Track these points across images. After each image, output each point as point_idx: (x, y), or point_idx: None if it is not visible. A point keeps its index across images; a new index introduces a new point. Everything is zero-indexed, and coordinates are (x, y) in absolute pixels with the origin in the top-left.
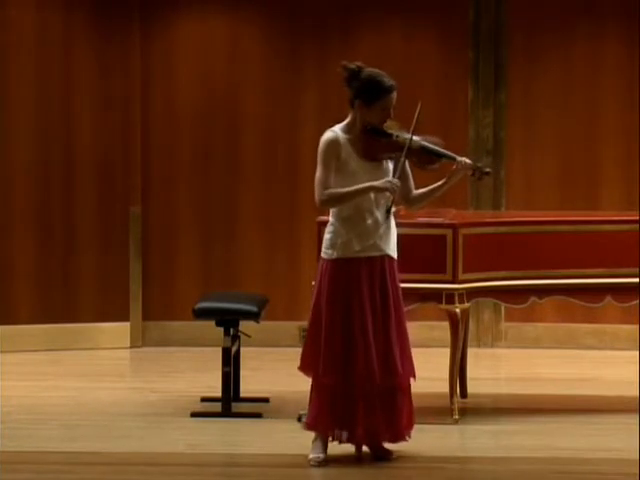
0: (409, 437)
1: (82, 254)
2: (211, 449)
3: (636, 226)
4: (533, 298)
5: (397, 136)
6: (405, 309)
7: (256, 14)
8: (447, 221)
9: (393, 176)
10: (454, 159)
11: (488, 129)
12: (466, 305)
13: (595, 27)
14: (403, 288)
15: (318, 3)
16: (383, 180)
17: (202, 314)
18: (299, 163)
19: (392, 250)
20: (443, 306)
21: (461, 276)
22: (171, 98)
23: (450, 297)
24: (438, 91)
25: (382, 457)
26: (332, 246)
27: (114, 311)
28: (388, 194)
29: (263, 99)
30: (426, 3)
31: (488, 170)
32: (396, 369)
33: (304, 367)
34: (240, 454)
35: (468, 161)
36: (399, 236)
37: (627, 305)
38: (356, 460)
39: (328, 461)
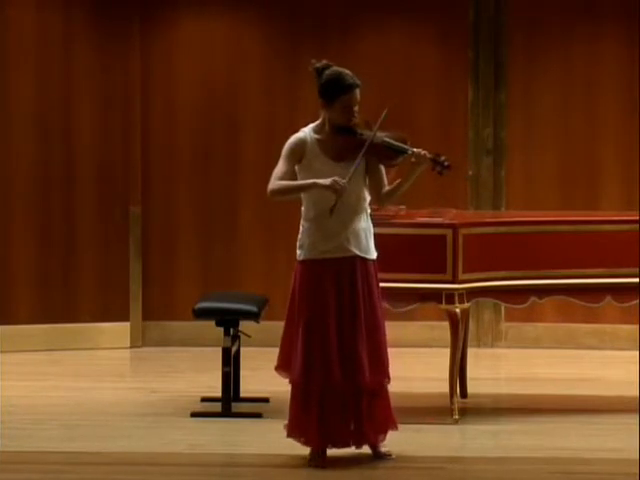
0: (382, 440)
1: (82, 254)
2: (211, 449)
3: (636, 226)
4: (533, 298)
5: (361, 134)
6: (405, 309)
7: (256, 14)
8: (447, 221)
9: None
10: (411, 152)
11: (488, 129)
12: (466, 305)
13: (595, 27)
14: (403, 288)
15: (318, 3)
16: (329, 179)
17: (202, 314)
18: None
19: (364, 251)
20: (443, 306)
21: (461, 276)
22: (171, 98)
23: (450, 297)
24: (438, 91)
25: (382, 457)
26: (300, 247)
27: (114, 311)
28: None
29: (263, 99)
30: (426, 3)
31: (448, 164)
32: (361, 372)
33: (278, 367)
34: (240, 454)
35: (427, 155)
36: (394, 236)
37: (627, 305)
38: (356, 460)
39: (328, 461)
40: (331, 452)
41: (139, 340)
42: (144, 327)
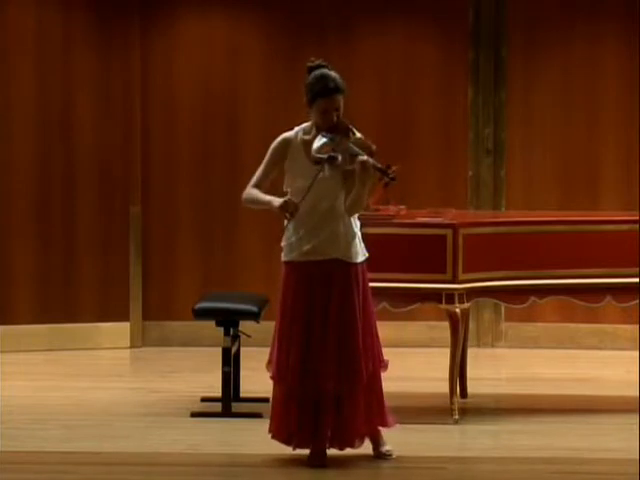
0: (358, 445)
1: (82, 254)
2: (211, 449)
3: (636, 226)
4: (533, 298)
5: (332, 139)
6: (405, 309)
7: (256, 14)
8: (447, 221)
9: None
10: (360, 159)
11: (488, 129)
12: (466, 305)
13: (595, 27)
14: (403, 288)
15: (318, 3)
16: (282, 200)
17: (202, 314)
18: None
19: (343, 254)
20: (443, 306)
21: (461, 276)
22: (171, 98)
23: (450, 297)
24: (438, 91)
25: (382, 457)
26: (283, 247)
27: (114, 311)
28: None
29: (263, 99)
30: (426, 3)
31: (394, 177)
32: (324, 378)
33: (268, 363)
34: (240, 454)
35: (372, 163)
36: (394, 236)
37: (627, 305)
38: (356, 460)
39: (328, 461)
40: (331, 452)
41: (139, 340)
42: (144, 327)
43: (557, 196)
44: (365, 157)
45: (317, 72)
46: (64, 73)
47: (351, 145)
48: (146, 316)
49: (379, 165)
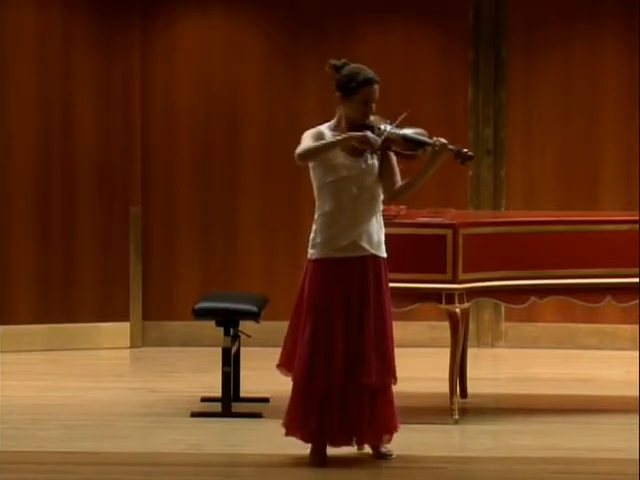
0: (388, 442)
1: (82, 254)
2: (211, 449)
3: (636, 226)
4: (533, 298)
5: (379, 128)
6: (405, 309)
7: (256, 14)
8: (447, 221)
9: (371, 155)
10: (433, 142)
11: (488, 129)
12: (466, 305)
13: (595, 26)
14: (403, 288)
15: (318, 3)
16: (362, 132)
17: (202, 314)
18: None
19: (375, 248)
20: (443, 306)
21: (461, 276)
22: (171, 98)
23: (450, 297)
24: (438, 91)
25: (382, 457)
26: (314, 246)
27: (114, 311)
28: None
29: (263, 98)
30: (426, 3)
31: (471, 154)
32: (367, 372)
33: (281, 365)
34: (240, 454)
35: (450, 145)
36: (394, 236)
37: (627, 305)
38: (356, 460)
39: (328, 461)
40: (332, 452)
41: (139, 340)
42: (144, 327)
43: (557, 196)
44: (442, 139)
45: (351, 66)
46: (64, 73)
47: (407, 133)
48: (146, 316)
49: (452, 146)
